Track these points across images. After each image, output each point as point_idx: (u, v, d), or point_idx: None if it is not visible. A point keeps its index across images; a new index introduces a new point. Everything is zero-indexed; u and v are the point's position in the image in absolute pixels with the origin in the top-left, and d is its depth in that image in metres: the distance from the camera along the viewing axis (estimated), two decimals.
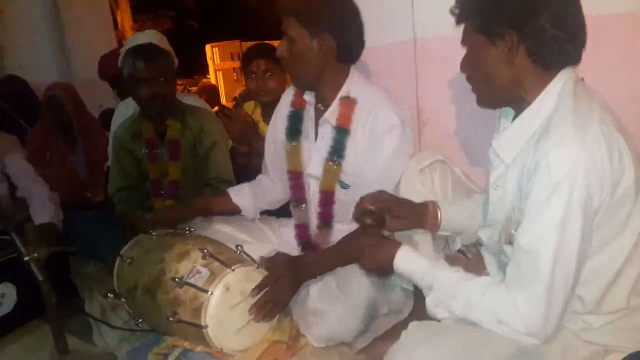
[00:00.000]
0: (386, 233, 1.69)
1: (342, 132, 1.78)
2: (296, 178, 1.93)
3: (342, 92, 1.79)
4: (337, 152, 1.78)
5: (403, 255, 1.33)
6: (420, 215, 1.54)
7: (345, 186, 1.82)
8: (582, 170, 1.08)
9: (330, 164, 1.80)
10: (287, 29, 1.74)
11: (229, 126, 2.54)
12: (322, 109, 1.85)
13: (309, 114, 1.91)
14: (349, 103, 1.78)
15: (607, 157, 1.11)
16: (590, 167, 1.09)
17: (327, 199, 1.85)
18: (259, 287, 1.61)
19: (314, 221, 1.92)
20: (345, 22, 1.74)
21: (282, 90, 2.50)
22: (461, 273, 1.26)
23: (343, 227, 1.85)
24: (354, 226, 1.73)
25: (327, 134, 1.82)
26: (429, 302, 1.27)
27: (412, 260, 1.32)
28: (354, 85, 1.80)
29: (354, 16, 1.77)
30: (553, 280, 1.11)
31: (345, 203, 1.82)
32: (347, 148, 1.78)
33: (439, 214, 1.54)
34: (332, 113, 1.79)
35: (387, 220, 1.49)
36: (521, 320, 1.13)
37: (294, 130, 1.93)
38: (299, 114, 1.93)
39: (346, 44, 1.75)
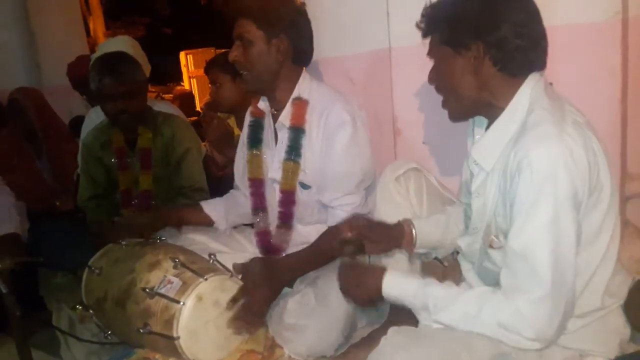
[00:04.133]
0: None
1: (296, 131, 1.80)
2: (256, 185, 1.93)
3: (294, 94, 1.82)
4: (293, 150, 1.80)
5: (391, 280, 1.31)
6: (396, 236, 1.53)
7: (306, 187, 1.82)
8: (562, 164, 1.10)
9: (288, 163, 1.81)
10: (242, 32, 1.74)
11: (206, 133, 2.53)
12: (276, 112, 1.86)
13: (268, 122, 1.92)
14: (301, 104, 1.81)
15: (583, 153, 1.13)
16: (569, 161, 1.11)
17: (288, 199, 1.84)
18: (234, 299, 1.58)
19: (274, 226, 1.91)
20: (300, 24, 1.79)
21: (237, 101, 2.52)
22: (453, 288, 1.25)
23: (306, 228, 1.86)
24: (318, 227, 1.76)
25: (284, 137, 1.84)
26: (423, 321, 1.24)
27: (401, 283, 1.30)
28: (305, 86, 1.83)
29: (306, 20, 1.83)
30: (554, 279, 1.10)
31: (308, 203, 1.84)
32: (303, 147, 1.79)
33: (414, 232, 1.53)
34: (286, 115, 1.82)
35: (366, 245, 1.47)
36: (527, 326, 1.11)
37: (254, 138, 1.94)
38: (259, 123, 1.95)
39: (300, 45, 1.79)
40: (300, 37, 1.79)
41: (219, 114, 2.96)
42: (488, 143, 1.29)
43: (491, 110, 1.29)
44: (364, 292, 1.36)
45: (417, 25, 1.34)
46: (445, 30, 1.27)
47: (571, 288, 1.14)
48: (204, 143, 2.99)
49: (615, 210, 1.23)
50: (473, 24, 1.23)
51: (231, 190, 2.13)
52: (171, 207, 2.14)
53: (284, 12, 1.75)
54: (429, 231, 1.55)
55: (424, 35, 1.34)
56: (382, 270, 1.33)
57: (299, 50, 1.79)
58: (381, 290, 1.31)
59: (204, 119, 3.49)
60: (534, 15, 1.24)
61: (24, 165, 2.94)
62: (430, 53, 1.34)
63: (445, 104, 1.36)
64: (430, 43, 1.34)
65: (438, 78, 1.34)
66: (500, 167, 1.23)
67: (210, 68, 2.74)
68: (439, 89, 1.36)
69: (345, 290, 1.40)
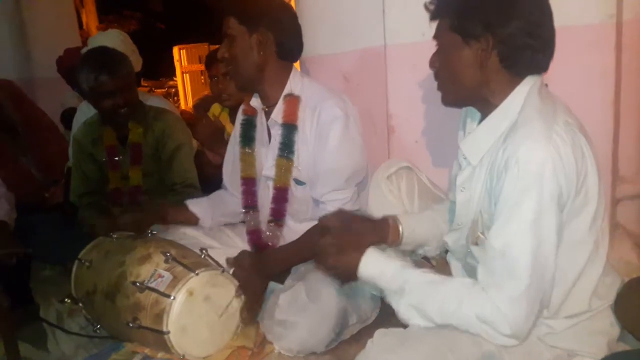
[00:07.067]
0: None
1: (288, 128, 1.80)
2: (248, 184, 1.94)
3: (285, 91, 1.82)
4: (286, 147, 1.80)
5: (370, 257, 1.29)
6: (381, 230, 1.52)
7: (300, 183, 1.83)
8: (549, 164, 1.10)
9: (282, 160, 1.81)
10: (226, 29, 1.77)
11: (197, 132, 2.51)
12: (268, 110, 1.86)
13: (261, 119, 1.92)
14: (293, 100, 1.81)
15: (571, 154, 1.13)
16: (556, 161, 1.11)
17: (281, 195, 1.84)
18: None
19: (265, 224, 1.91)
20: (282, 19, 1.79)
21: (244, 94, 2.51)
22: (432, 275, 1.23)
23: (300, 225, 1.85)
24: (311, 224, 1.74)
25: (277, 133, 1.84)
26: (400, 307, 1.23)
27: (380, 262, 1.28)
28: (296, 83, 1.83)
29: (291, 16, 1.83)
30: (532, 279, 1.11)
31: (303, 200, 1.85)
32: (296, 143, 1.80)
33: (400, 228, 1.52)
34: (278, 112, 1.82)
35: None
36: (505, 322, 1.11)
37: (246, 136, 1.95)
38: (251, 121, 1.95)
39: (284, 40, 1.79)
40: (284, 32, 1.78)
41: (211, 111, 2.94)
42: (478, 138, 1.29)
43: (486, 105, 1.29)
44: (340, 262, 1.32)
45: (426, 6, 1.31)
46: (457, 17, 1.24)
47: (548, 286, 1.15)
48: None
49: (602, 214, 1.23)
50: (486, 16, 1.20)
51: (218, 191, 2.13)
52: (157, 206, 2.12)
53: (264, 6, 1.76)
54: (416, 227, 1.54)
55: (432, 18, 1.31)
56: (365, 246, 1.31)
57: (283, 45, 1.79)
58: (358, 266, 1.28)
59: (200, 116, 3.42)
60: (548, 16, 1.22)
61: (7, 160, 2.88)
62: (437, 37, 1.31)
63: (440, 88, 1.34)
64: (438, 27, 1.31)
65: (440, 63, 1.31)
66: (488, 164, 1.23)
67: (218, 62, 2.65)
68: (438, 75, 1.34)
69: (322, 257, 1.35)
